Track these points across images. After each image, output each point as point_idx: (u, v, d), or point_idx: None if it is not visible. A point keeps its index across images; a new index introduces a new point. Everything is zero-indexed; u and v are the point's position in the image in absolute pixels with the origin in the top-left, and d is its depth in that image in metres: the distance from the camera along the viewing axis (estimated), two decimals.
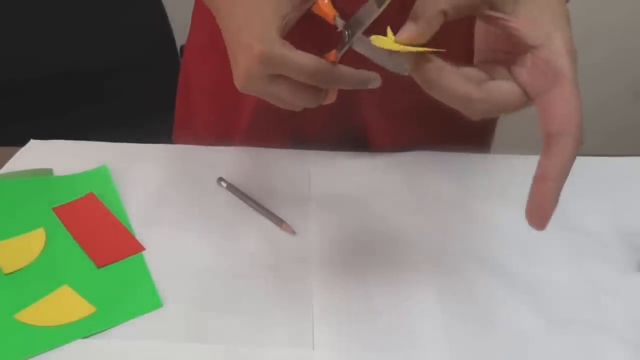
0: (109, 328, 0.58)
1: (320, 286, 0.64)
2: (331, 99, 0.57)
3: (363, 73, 0.54)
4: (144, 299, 0.61)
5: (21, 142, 0.84)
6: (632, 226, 0.75)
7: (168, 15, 1.57)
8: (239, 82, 0.54)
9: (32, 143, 0.84)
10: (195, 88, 0.94)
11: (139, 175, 0.78)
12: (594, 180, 0.83)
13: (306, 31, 0.55)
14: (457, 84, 0.47)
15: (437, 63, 0.47)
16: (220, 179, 0.77)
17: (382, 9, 0.49)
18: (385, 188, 0.80)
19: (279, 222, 0.71)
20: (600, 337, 0.61)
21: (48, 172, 0.78)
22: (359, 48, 0.52)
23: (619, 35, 2.16)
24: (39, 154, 0.81)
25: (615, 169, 0.86)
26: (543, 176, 0.48)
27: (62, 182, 0.77)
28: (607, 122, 2.29)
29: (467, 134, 0.91)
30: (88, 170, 0.79)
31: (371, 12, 0.50)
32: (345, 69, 0.54)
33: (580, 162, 0.84)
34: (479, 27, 0.53)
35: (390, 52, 0.47)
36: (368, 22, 0.50)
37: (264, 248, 0.69)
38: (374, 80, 0.55)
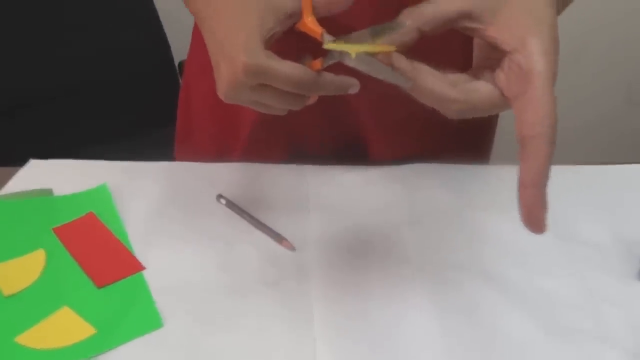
0: (109, 350, 0.58)
1: (321, 302, 0.64)
2: (313, 100, 0.59)
3: (343, 79, 0.55)
4: (144, 319, 0.62)
5: (21, 161, 0.84)
6: (631, 234, 0.74)
7: (166, 31, 1.57)
8: (221, 91, 0.55)
9: (32, 163, 0.84)
10: (195, 103, 0.95)
11: (139, 193, 0.78)
12: (592, 188, 0.83)
13: (294, 44, 0.56)
14: (433, 84, 0.49)
15: (416, 64, 0.49)
16: (220, 196, 0.77)
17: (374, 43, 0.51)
18: (384, 201, 0.80)
19: (279, 238, 0.71)
20: (600, 346, 0.61)
21: (48, 192, 0.78)
22: (349, 63, 0.52)
23: (615, 42, 2.16)
24: (38, 174, 0.82)
25: (614, 177, 0.86)
26: (523, 183, 0.48)
27: (62, 202, 0.77)
28: (603, 129, 2.30)
29: (466, 144, 0.91)
30: (88, 189, 0.79)
31: (363, 41, 0.51)
32: (329, 77, 0.55)
33: (578, 170, 0.87)
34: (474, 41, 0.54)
35: (381, 65, 0.50)
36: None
37: (264, 265, 0.69)
38: (354, 86, 0.55)
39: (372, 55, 0.51)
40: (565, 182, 0.84)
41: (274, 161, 0.85)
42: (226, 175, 0.83)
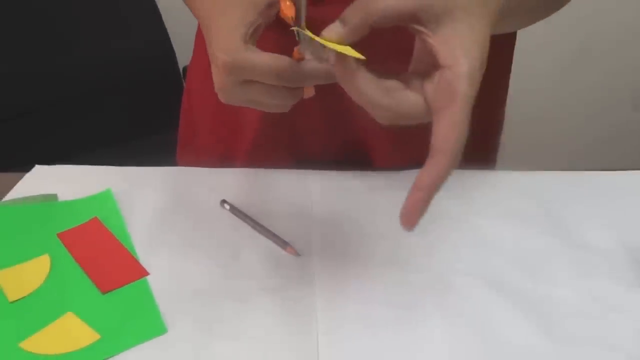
0: (113, 355, 0.58)
1: (325, 308, 0.64)
2: (309, 93, 0.59)
3: (327, 67, 0.55)
4: (148, 325, 0.62)
5: (26, 166, 0.84)
6: (637, 241, 0.74)
7: (170, 36, 1.58)
8: (219, 95, 0.56)
9: (37, 169, 0.84)
10: (198, 108, 0.95)
11: (143, 198, 0.79)
12: (599, 195, 0.83)
13: (282, 38, 0.57)
14: (367, 87, 0.50)
15: (354, 65, 0.50)
16: (224, 202, 0.77)
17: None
18: (388, 207, 0.78)
19: (283, 244, 0.71)
20: (607, 354, 0.60)
21: (53, 197, 0.78)
22: (303, 46, 0.53)
23: (619, 46, 2.16)
24: (43, 180, 0.82)
25: (621, 184, 0.85)
26: (417, 185, 0.50)
27: (66, 207, 0.77)
28: (608, 134, 2.29)
29: (471, 150, 0.91)
30: (92, 195, 0.79)
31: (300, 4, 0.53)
32: (312, 65, 0.55)
33: (585, 177, 0.87)
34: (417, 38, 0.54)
35: (325, 49, 0.51)
36: (302, 15, 0.53)
37: (268, 270, 0.69)
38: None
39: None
40: (572, 189, 0.84)
41: (278, 167, 0.85)
42: (230, 180, 0.83)
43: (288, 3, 0.57)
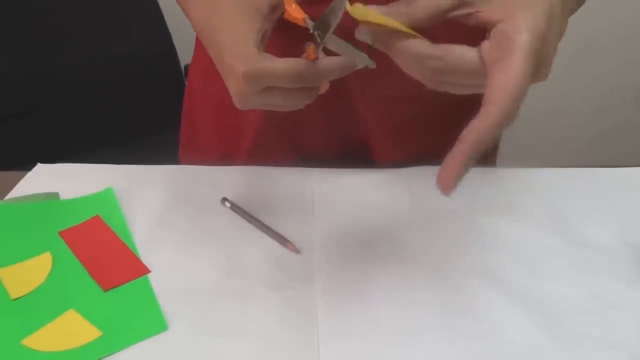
0: (115, 352, 0.59)
1: (326, 305, 0.64)
2: (325, 87, 0.60)
3: (343, 60, 0.56)
4: (149, 322, 0.62)
5: (28, 164, 0.84)
6: (638, 238, 0.74)
7: (172, 35, 1.58)
8: (236, 103, 0.56)
9: (39, 167, 0.84)
10: (199, 107, 0.95)
11: (144, 196, 0.79)
12: (599, 192, 0.83)
13: (286, 42, 0.57)
14: (412, 43, 0.49)
15: (400, 33, 0.50)
16: (224, 199, 0.78)
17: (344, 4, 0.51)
18: (390, 204, 0.80)
19: (284, 241, 0.72)
20: (609, 352, 0.60)
21: (54, 195, 0.79)
22: (330, 46, 0.54)
23: (622, 41, 2.16)
24: (45, 178, 0.82)
25: (621, 180, 0.85)
26: (461, 137, 0.47)
27: (68, 205, 0.77)
28: (610, 130, 2.29)
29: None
30: (94, 193, 0.79)
31: (337, 10, 0.52)
32: (327, 62, 0.55)
33: (586, 173, 0.87)
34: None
35: (354, 48, 0.52)
36: (335, 21, 0.52)
37: (269, 268, 0.69)
38: (362, 62, 0.56)
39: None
40: (574, 185, 0.84)
41: (279, 165, 0.86)
42: (231, 178, 0.83)
43: (294, 6, 0.57)
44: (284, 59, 0.53)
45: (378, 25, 0.51)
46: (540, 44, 0.47)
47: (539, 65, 0.48)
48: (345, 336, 0.61)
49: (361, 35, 0.52)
